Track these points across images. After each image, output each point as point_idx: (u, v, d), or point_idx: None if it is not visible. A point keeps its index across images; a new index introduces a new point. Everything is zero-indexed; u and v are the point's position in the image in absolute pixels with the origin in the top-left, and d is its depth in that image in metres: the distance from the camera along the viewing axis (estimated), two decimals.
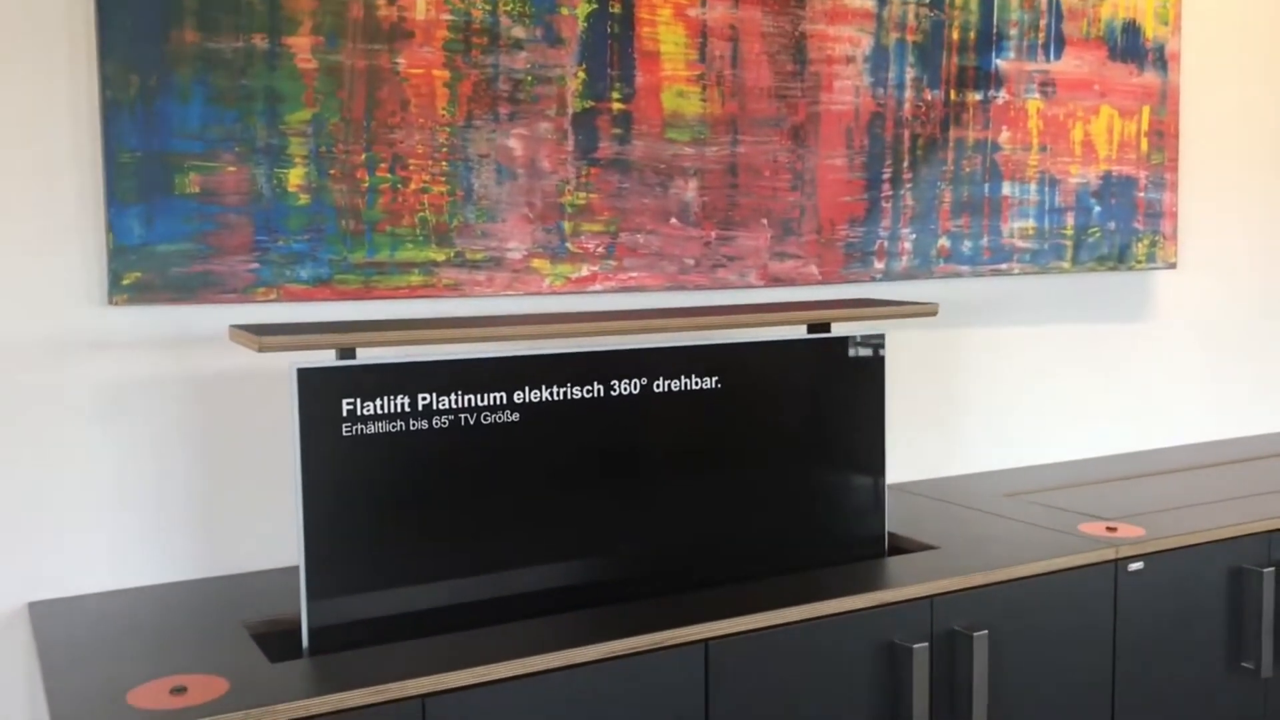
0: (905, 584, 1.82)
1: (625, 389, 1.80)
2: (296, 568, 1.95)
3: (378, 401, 1.62)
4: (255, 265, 1.90)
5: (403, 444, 1.64)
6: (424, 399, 1.65)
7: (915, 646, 1.77)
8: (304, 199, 1.92)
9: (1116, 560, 2.01)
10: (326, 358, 1.62)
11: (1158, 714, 2.09)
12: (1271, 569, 2.15)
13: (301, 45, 1.90)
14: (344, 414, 1.60)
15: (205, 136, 1.84)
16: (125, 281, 1.81)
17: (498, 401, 1.71)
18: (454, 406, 1.68)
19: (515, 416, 1.72)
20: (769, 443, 1.93)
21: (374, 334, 1.63)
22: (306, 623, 1.60)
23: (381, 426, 1.62)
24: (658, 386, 1.83)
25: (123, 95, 1.79)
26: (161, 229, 1.83)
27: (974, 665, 1.83)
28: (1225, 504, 2.33)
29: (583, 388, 1.77)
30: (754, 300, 2.31)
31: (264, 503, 1.98)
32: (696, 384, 1.86)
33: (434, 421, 1.66)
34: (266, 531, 1.98)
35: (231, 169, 1.87)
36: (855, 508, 2.02)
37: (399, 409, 1.64)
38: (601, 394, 1.78)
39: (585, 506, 1.79)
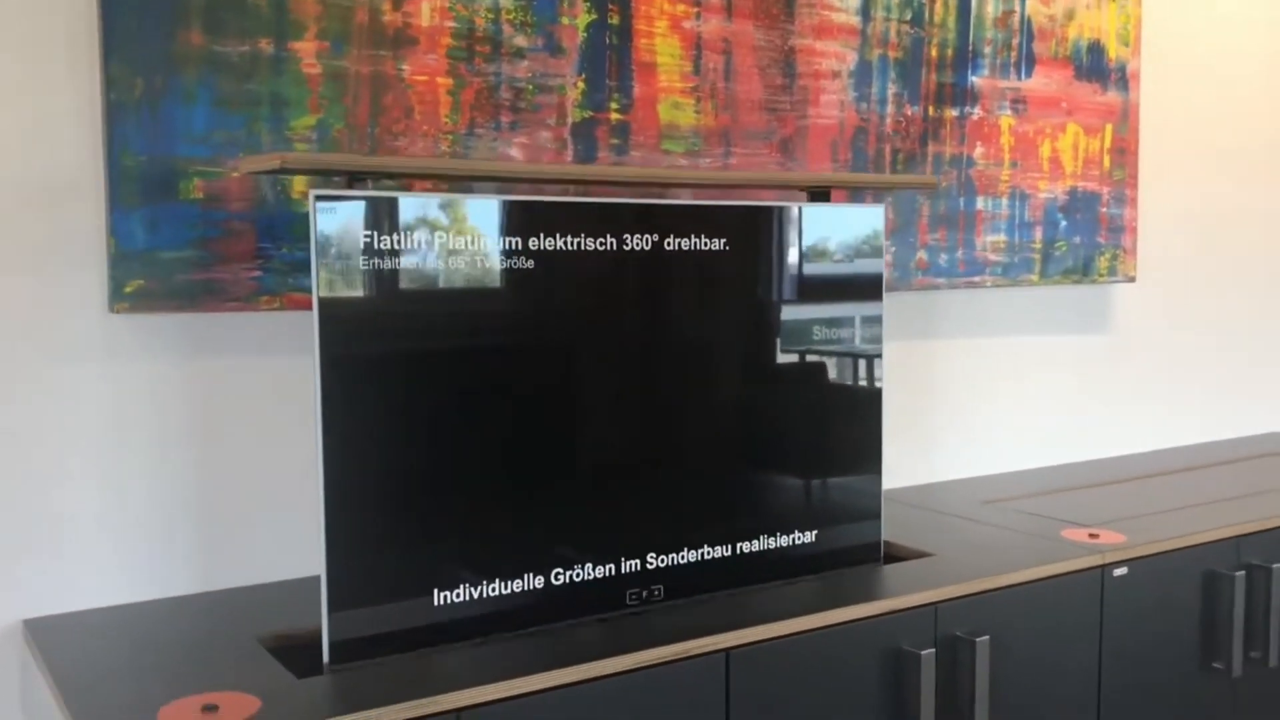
0: (910, 591, 1.86)
1: (637, 244, 1.80)
2: (302, 581, 1.94)
3: (394, 236, 1.60)
4: (258, 273, 1.86)
5: (419, 280, 1.62)
6: (440, 237, 1.63)
7: (923, 653, 1.81)
8: (308, 206, 1.89)
9: (1103, 566, 2.08)
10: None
11: (1138, 714, 2.16)
12: (1242, 572, 2.23)
13: (307, 50, 1.87)
14: (360, 246, 1.57)
15: (210, 141, 1.81)
16: (127, 289, 1.76)
17: (513, 246, 1.69)
18: (469, 248, 1.66)
19: (530, 264, 1.71)
20: (773, 299, 1.95)
21: (394, 159, 1.64)
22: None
23: (398, 263, 1.60)
24: (669, 244, 1.83)
25: (127, 97, 1.74)
26: (164, 235, 1.79)
27: (976, 670, 1.87)
28: (1194, 510, 2.42)
29: (596, 240, 1.76)
30: None
31: (267, 516, 1.94)
32: (706, 245, 1.87)
33: (450, 262, 1.64)
34: (270, 544, 1.95)
35: (236, 174, 1.83)
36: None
37: (415, 244, 1.61)
38: (614, 248, 1.78)
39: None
